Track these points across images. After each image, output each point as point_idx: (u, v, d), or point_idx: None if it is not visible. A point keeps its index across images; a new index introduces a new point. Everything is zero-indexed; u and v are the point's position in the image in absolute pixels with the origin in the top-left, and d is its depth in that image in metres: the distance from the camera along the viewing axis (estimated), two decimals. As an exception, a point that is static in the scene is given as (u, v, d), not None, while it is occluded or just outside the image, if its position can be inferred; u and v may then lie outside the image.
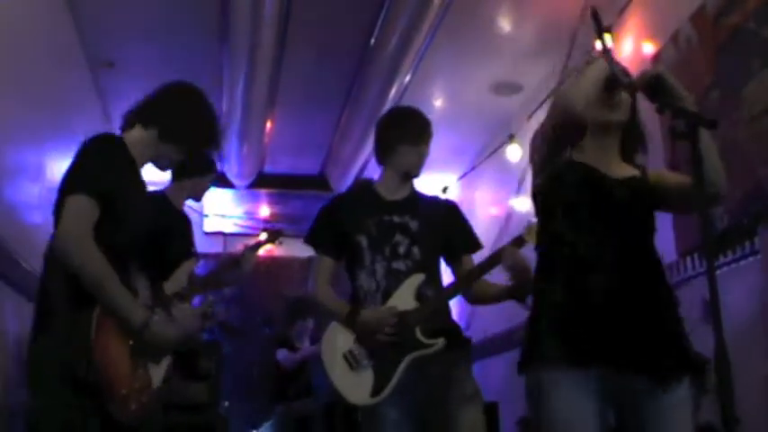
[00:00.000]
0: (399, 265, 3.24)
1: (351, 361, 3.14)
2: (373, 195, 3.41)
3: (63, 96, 5.29)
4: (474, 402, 3.18)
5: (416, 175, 3.44)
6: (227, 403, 6.12)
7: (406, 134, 3.38)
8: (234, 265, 4.85)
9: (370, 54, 5.73)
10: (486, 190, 7.72)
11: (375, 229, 3.29)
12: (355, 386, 3.11)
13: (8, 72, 4.06)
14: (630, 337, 2.22)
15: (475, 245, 3.50)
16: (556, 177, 2.41)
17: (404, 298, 3.20)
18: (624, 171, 2.45)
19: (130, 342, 2.54)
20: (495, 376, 6.09)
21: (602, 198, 2.36)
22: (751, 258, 3.75)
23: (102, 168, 2.55)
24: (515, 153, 6.61)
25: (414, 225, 3.30)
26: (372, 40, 5.60)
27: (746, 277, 3.75)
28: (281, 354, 6.45)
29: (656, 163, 4.24)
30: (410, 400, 3.11)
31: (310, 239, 3.42)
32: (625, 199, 2.35)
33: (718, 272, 2.14)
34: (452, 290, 3.32)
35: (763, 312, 3.58)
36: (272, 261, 7.84)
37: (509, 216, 7.06)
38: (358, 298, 3.27)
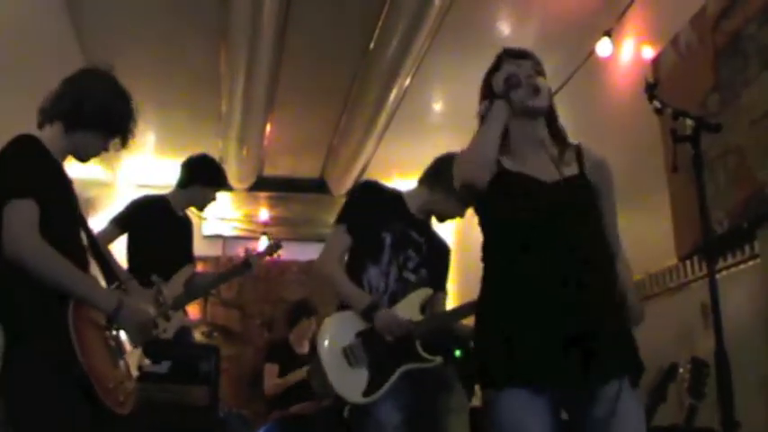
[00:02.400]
0: (410, 276, 3.32)
1: (350, 357, 3.17)
2: (402, 205, 3.47)
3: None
4: (461, 414, 3.29)
5: (441, 221, 3.55)
6: (225, 407, 6.10)
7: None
8: (245, 269, 4.90)
9: (370, 57, 5.73)
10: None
11: (399, 234, 3.35)
12: (349, 383, 3.14)
13: (7, 75, 4.06)
14: (558, 351, 2.21)
15: (444, 288, 3.59)
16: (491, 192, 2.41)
17: (409, 308, 3.27)
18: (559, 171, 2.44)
19: (106, 333, 2.58)
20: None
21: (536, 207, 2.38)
22: (751, 262, 3.75)
23: (30, 168, 2.56)
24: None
25: (425, 249, 3.40)
26: (372, 43, 5.59)
27: (746, 281, 3.75)
28: (267, 381, 6.42)
29: (656, 165, 4.25)
30: (401, 405, 3.16)
31: (341, 213, 3.46)
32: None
33: (717, 276, 2.15)
34: (459, 312, 3.37)
35: (762, 316, 3.57)
36: (271, 265, 7.82)
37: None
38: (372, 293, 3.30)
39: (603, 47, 5.15)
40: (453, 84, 6.49)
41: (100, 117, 2.77)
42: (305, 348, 6.55)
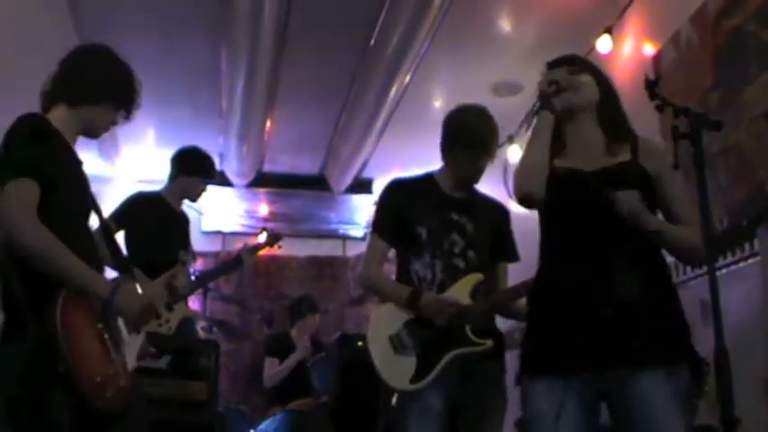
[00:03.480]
0: (458, 262, 3.25)
1: (396, 344, 3.14)
2: (435, 187, 3.40)
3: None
4: (500, 416, 3.25)
5: (473, 182, 3.44)
6: (225, 402, 6.11)
7: (468, 141, 3.36)
8: (235, 267, 4.87)
9: (371, 54, 5.73)
10: (486, 191, 7.69)
11: (436, 223, 3.28)
12: (396, 370, 3.10)
13: (6, 72, 4.05)
14: (587, 339, 2.30)
15: (514, 256, 3.50)
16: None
17: (459, 294, 3.19)
18: (606, 161, 2.48)
19: (99, 326, 2.50)
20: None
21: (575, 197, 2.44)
22: (751, 260, 3.75)
23: (33, 148, 2.51)
24: (515, 154, 6.60)
25: (470, 228, 3.31)
26: (372, 40, 5.59)
27: (746, 279, 3.75)
28: (267, 374, 6.42)
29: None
30: (447, 394, 3.11)
31: (373, 223, 3.46)
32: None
33: (717, 274, 2.14)
34: (508, 294, 3.31)
35: (762, 314, 3.57)
36: (271, 260, 7.82)
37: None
38: (411, 282, 3.26)
39: (604, 44, 5.14)
40: (453, 81, 6.49)
41: (102, 88, 2.75)
42: (306, 344, 6.56)
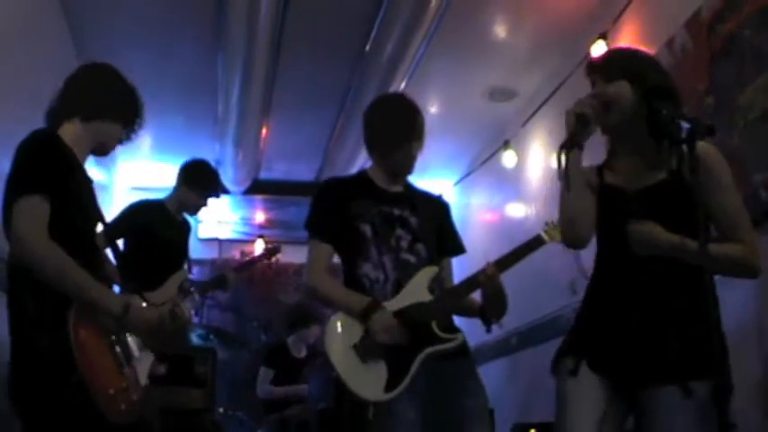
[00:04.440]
0: (408, 257, 3.07)
1: (362, 353, 2.92)
2: (371, 184, 3.23)
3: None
4: (483, 419, 3.06)
5: (405, 173, 3.27)
6: (222, 409, 6.11)
7: (390, 134, 3.23)
8: (220, 284, 4.83)
9: (366, 60, 5.74)
10: (481, 196, 7.73)
11: (378, 219, 3.10)
12: (367, 380, 2.89)
13: (1, 77, 4.05)
14: (633, 348, 2.37)
15: (460, 249, 3.33)
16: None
17: (417, 290, 3.01)
18: (652, 177, 2.47)
19: (112, 338, 2.52)
20: (489, 383, 6.07)
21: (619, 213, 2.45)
22: (746, 264, 3.75)
23: (43, 164, 2.51)
24: (510, 159, 6.62)
25: (414, 221, 3.14)
26: (368, 47, 5.60)
27: (742, 283, 3.75)
28: (261, 385, 6.42)
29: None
30: (423, 400, 2.91)
31: (309, 226, 3.19)
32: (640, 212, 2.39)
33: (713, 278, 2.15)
34: (466, 288, 3.07)
35: (756, 318, 3.58)
36: (267, 267, 7.82)
37: (505, 221, 7.07)
38: (362, 287, 3.04)
39: (599, 49, 5.14)
40: (448, 87, 6.51)
41: (113, 104, 2.78)
42: (302, 353, 6.56)
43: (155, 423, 2.77)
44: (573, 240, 2.51)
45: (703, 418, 2.21)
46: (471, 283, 3.04)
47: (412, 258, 3.08)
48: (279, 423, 6.00)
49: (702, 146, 2.28)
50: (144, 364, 2.71)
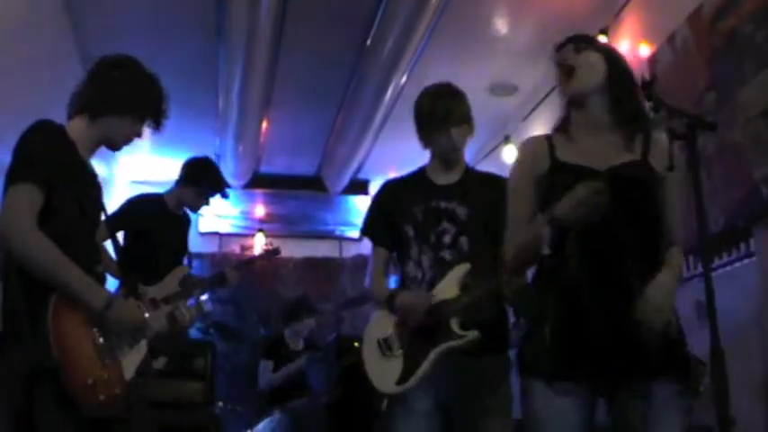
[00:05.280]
0: (446, 254, 3.09)
1: (383, 347, 3.06)
2: (423, 180, 3.27)
3: (58, 98, 5.27)
4: (501, 416, 3.03)
5: (451, 159, 3.26)
6: (221, 403, 6.10)
7: (425, 119, 3.22)
8: (220, 282, 4.82)
9: (367, 55, 5.73)
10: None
11: (421, 215, 3.15)
12: (383, 373, 3.03)
13: (3, 71, 4.05)
14: (612, 348, 2.22)
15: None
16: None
17: (448, 288, 3.04)
18: (619, 156, 2.36)
19: (94, 329, 2.50)
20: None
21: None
22: (746, 260, 3.76)
23: (44, 155, 2.51)
24: (511, 154, 6.61)
25: (462, 212, 3.13)
26: (368, 41, 5.60)
27: (742, 279, 3.76)
28: (262, 377, 6.43)
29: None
30: (439, 392, 2.97)
31: (364, 231, 3.35)
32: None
33: (713, 274, 2.15)
34: (492, 284, 3.00)
35: (757, 314, 3.58)
36: (267, 261, 7.83)
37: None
38: (405, 286, 3.16)
39: (600, 45, 5.15)
40: (450, 81, 6.49)
41: (124, 100, 2.76)
42: (300, 345, 6.56)
43: (145, 418, 2.73)
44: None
45: (682, 408, 2.27)
46: (494, 282, 3.00)
47: (448, 255, 3.10)
48: (280, 417, 6.00)
49: (662, 137, 2.26)
50: (133, 358, 2.68)
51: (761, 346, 3.54)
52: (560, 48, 2.48)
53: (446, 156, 3.25)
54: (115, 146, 2.83)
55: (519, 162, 2.55)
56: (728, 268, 3.86)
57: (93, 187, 2.75)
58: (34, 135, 2.55)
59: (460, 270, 3.06)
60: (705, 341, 2.03)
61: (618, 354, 2.22)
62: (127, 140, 2.85)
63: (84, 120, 2.70)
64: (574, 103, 2.44)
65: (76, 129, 2.68)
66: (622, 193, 2.26)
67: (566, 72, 2.41)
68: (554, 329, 2.29)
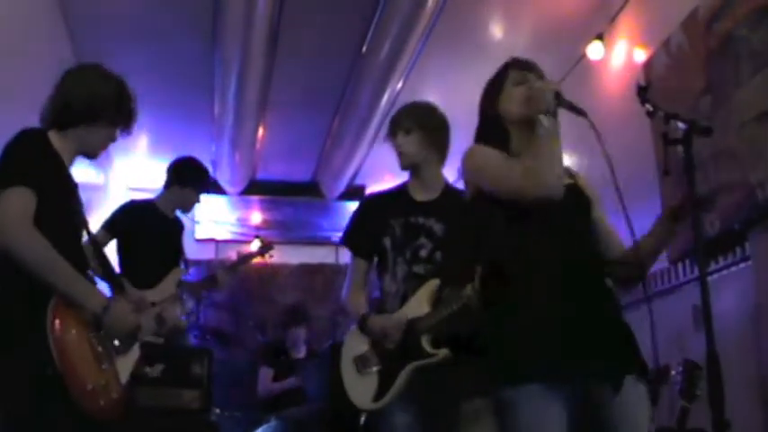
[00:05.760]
0: (419, 269, 3.13)
1: (359, 365, 3.14)
2: (404, 196, 3.31)
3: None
4: (480, 422, 2.97)
5: (403, 169, 3.33)
6: (218, 410, 6.09)
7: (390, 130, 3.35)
8: (211, 284, 4.83)
9: (363, 60, 5.74)
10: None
11: (400, 230, 3.19)
12: (360, 390, 3.11)
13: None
14: (589, 348, 2.21)
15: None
16: None
17: (418, 304, 3.08)
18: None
19: (90, 334, 2.50)
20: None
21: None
22: (742, 264, 3.76)
23: (29, 159, 2.52)
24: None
25: (438, 228, 3.16)
26: (365, 46, 5.60)
27: (737, 283, 3.76)
28: (261, 384, 6.42)
29: (648, 168, 4.26)
30: (418, 407, 3.02)
31: (344, 241, 3.40)
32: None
33: (709, 278, 2.15)
34: (463, 298, 2.94)
35: (754, 318, 3.58)
36: (263, 267, 7.81)
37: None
38: (382, 300, 3.23)
39: (595, 50, 5.16)
40: (445, 87, 6.48)
41: (87, 109, 2.71)
42: (301, 353, 6.55)
43: (139, 423, 2.74)
44: (554, 194, 2.30)
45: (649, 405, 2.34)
46: (465, 297, 2.92)
47: (423, 270, 3.13)
48: (276, 423, 5.99)
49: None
50: (127, 361, 2.68)
51: (757, 350, 3.54)
52: (525, 68, 2.76)
53: (401, 164, 3.32)
54: (92, 155, 2.83)
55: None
56: (724, 272, 3.86)
57: (75, 197, 2.76)
58: (23, 141, 2.56)
59: (430, 286, 3.09)
60: (701, 345, 2.03)
61: (601, 350, 2.22)
62: (103, 147, 2.84)
63: (55, 133, 2.69)
64: (526, 125, 2.50)
65: (55, 141, 2.67)
66: (577, 204, 2.44)
67: (526, 99, 2.55)
68: (540, 331, 2.24)
